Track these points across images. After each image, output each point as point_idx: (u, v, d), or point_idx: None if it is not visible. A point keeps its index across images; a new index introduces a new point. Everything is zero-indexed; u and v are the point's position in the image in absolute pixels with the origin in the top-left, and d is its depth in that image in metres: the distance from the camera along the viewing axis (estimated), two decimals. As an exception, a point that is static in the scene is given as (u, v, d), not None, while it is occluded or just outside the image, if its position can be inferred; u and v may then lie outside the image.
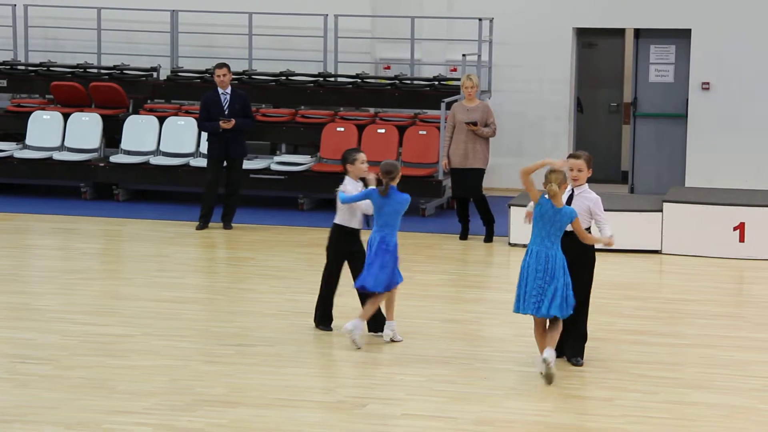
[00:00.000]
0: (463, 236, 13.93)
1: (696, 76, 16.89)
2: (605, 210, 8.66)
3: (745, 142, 16.74)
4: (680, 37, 17.04)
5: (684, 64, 17.05)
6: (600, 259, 8.83)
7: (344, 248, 9.45)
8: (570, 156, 8.72)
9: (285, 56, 17.15)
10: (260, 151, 16.37)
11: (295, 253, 13.05)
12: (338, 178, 15.37)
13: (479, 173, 13.69)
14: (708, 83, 16.86)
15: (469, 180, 13.62)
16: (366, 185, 9.34)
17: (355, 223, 9.44)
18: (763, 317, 10.49)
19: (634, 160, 17.48)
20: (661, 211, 13.19)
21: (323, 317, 9.62)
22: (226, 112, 14.19)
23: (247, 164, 14.93)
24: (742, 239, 12.90)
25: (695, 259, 12.91)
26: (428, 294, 11.03)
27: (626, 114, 18.12)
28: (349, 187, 9.41)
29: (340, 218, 9.50)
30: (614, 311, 10.26)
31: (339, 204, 9.46)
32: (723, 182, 16.24)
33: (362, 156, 9.45)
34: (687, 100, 17.02)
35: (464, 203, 13.92)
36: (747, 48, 16.68)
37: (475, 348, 9.21)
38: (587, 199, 8.58)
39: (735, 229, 12.91)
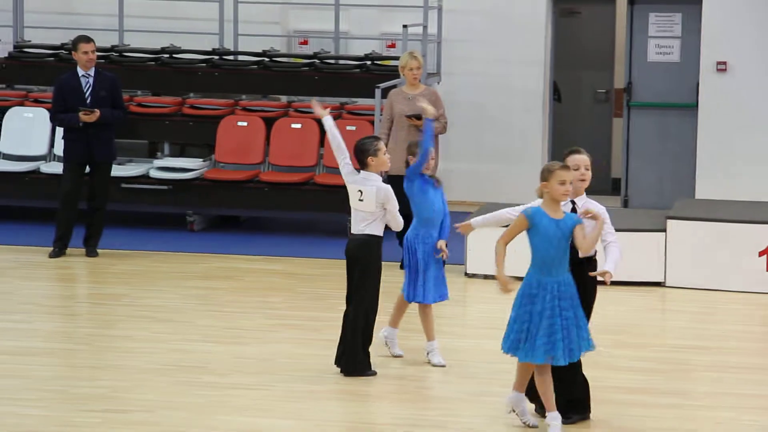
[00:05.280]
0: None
1: (709, 54, 17.06)
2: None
3: (772, 140, 16.94)
4: (688, 2, 17.21)
5: (694, 38, 17.22)
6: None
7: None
8: (572, 152, 8.78)
9: (168, 27, 17.10)
10: (135, 153, 16.29)
11: (183, 288, 12.98)
12: (239, 187, 15.44)
13: (426, 182, 13.73)
14: (724, 63, 17.04)
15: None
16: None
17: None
18: (797, 369, 10.59)
19: (628, 163, 17.60)
20: (665, 230, 13.29)
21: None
22: (89, 101, 14.12)
23: (116, 170, 14.85)
24: (769, 267, 13.06)
25: (708, 293, 13.00)
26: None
27: (618, 104, 18.27)
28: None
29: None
30: (605, 363, 10.32)
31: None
32: (744, 192, 16.35)
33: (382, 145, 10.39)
34: (697, 85, 17.20)
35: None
36: (774, 18, 16.90)
37: (421, 412, 9.22)
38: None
39: (761, 254, 13.04)
